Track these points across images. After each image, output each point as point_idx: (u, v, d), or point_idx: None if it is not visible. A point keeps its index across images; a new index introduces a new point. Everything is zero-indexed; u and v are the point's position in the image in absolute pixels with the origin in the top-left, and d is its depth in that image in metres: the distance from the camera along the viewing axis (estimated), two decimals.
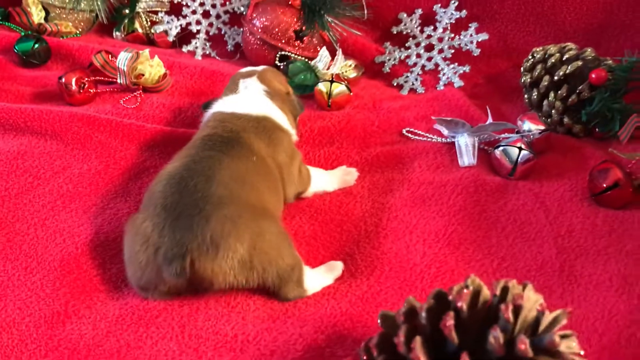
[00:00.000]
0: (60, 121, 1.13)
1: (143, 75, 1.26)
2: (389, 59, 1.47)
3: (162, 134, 1.15)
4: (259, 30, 1.41)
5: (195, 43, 1.55)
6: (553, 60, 1.19)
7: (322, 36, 1.44)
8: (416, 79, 1.42)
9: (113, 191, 1.03)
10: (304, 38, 1.41)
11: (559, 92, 1.17)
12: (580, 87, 1.15)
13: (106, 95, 1.28)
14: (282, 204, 0.96)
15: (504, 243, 0.92)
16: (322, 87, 1.25)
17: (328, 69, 1.32)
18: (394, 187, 1.04)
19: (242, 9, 1.55)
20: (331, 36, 1.42)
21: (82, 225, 0.95)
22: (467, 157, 1.08)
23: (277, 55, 1.40)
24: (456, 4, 1.43)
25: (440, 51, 1.44)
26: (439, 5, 1.44)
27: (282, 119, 1.03)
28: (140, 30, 1.60)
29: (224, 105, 1.04)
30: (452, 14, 1.43)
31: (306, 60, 1.37)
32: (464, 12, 1.42)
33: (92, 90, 1.25)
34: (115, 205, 1.00)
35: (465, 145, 1.10)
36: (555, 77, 1.18)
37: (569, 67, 1.16)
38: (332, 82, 1.25)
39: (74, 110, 1.15)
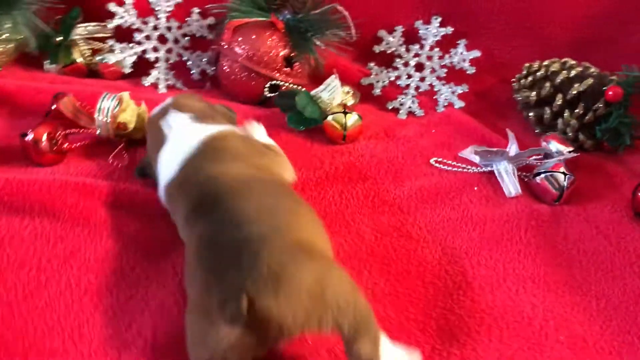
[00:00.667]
0: (50, 192, 0.90)
1: (126, 124, 1.05)
2: (377, 81, 1.38)
3: None
4: (243, 57, 1.25)
5: (157, 73, 1.34)
6: (562, 78, 1.20)
7: (309, 61, 1.32)
8: (413, 102, 1.35)
9: (135, 277, 0.84)
10: (295, 64, 1.28)
11: (575, 110, 1.18)
12: (596, 105, 1.17)
13: (80, 150, 1.06)
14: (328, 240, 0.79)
15: (588, 279, 0.89)
16: (336, 118, 1.14)
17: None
18: (456, 226, 0.97)
19: (201, 31, 1.38)
20: (318, 60, 1.31)
21: (118, 328, 0.76)
22: (512, 186, 1.04)
23: (267, 85, 1.26)
24: (439, 19, 1.38)
25: (433, 71, 1.38)
26: (421, 21, 1.39)
27: (223, 127, 0.92)
28: (80, 60, 1.36)
29: (167, 172, 0.86)
30: (437, 30, 1.38)
31: (300, 88, 1.24)
32: (449, 29, 1.37)
33: (65, 146, 1.02)
34: (146, 295, 0.81)
35: (507, 174, 1.06)
36: (568, 96, 1.19)
37: (582, 85, 1.17)
38: (345, 112, 1.14)
39: (63, 178, 0.92)
